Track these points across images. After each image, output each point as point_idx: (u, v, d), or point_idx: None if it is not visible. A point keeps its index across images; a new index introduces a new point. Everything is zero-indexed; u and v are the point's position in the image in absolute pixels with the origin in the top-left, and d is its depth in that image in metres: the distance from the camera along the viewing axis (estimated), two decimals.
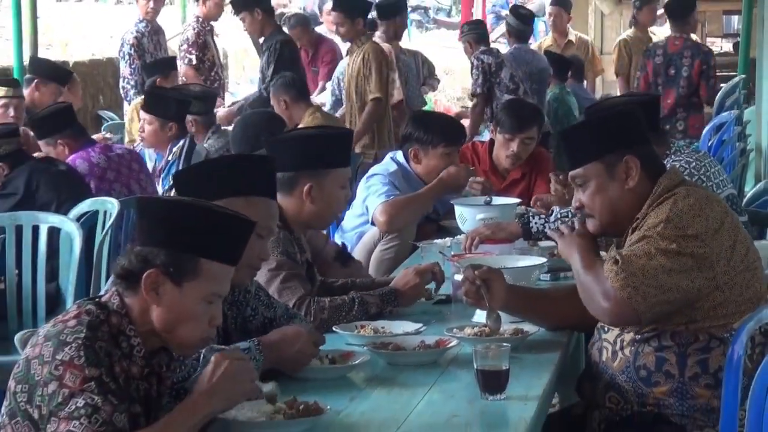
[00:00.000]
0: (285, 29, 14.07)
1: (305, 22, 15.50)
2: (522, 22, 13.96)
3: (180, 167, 9.06)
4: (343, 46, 13.82)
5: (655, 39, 15.71)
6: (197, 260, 3.79)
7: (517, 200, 7.59)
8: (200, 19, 14.50)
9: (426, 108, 14.39)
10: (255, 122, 8.75)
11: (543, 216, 6.55)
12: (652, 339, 4.74)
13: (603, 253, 4.89)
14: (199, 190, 4.34)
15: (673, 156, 6.65)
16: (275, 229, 4.91)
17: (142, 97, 11.35)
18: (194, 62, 14.12)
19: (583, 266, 4.80)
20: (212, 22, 14.52)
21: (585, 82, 16.46)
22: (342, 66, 12.60)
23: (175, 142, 9.34)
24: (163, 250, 3.78)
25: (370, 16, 12.81)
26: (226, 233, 3.90)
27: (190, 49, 14.25)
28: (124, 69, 14.18)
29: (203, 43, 14.28)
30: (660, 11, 17.15)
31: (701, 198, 4.76)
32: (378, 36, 12.71)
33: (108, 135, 12.00)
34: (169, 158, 9.26)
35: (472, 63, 13.22)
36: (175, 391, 4.03)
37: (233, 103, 13.50)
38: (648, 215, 4.74)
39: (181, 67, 14.07)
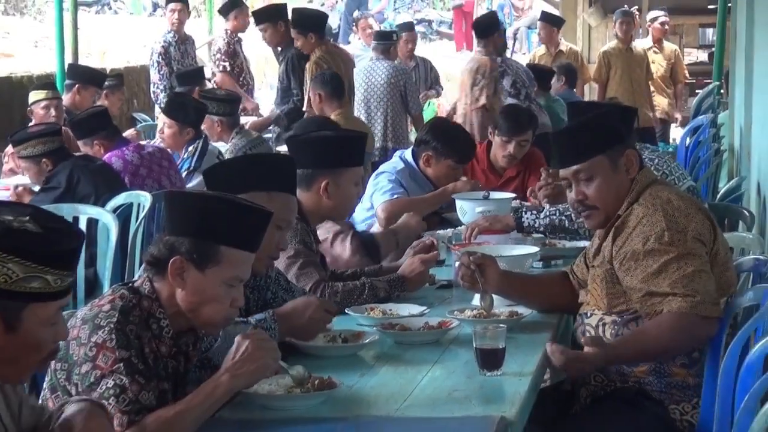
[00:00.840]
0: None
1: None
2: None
3: (192, 165, 9.21)
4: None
5: (636, 51, 15.72)
6: (219, 248, 3.82)
7: (513, 195, 7.61)
8: (229, 32, 14.55)
9: (430, 111, 14.40)
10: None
11: (535, 212, 6.54)
12: (631, 323, 4.75)
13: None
14: (226, 184, 4.36)
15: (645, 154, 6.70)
16: (294, 222, 4.91)
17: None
18: (228, 69, 14.17)
19: (638, 349, 4.71)
20: (239, 34, 14.52)
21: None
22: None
23: (191, 143, 9.35)
24: (188, 239, 3.81)
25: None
26: (246, 223, 3.92)
27: (223, 57, 14.32)
28: (154, 75, 14.26)
29: (233, 52, 14.34)
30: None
31: (678, 194, 4.85)
32: (477, 51, 12.77)
33: (139, 129, 12.01)
34: (184, 156, 9.26)
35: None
36: (198, 361, 4.05)
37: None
38: (630, 216, 4.74)
39: (216, 74, 14.24)
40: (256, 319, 4.45)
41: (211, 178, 4.69)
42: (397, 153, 7.98)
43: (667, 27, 16.49)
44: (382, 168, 7.75)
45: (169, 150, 9.25)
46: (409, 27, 15.96)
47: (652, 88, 15.37)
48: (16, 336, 3.05)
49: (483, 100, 11.98)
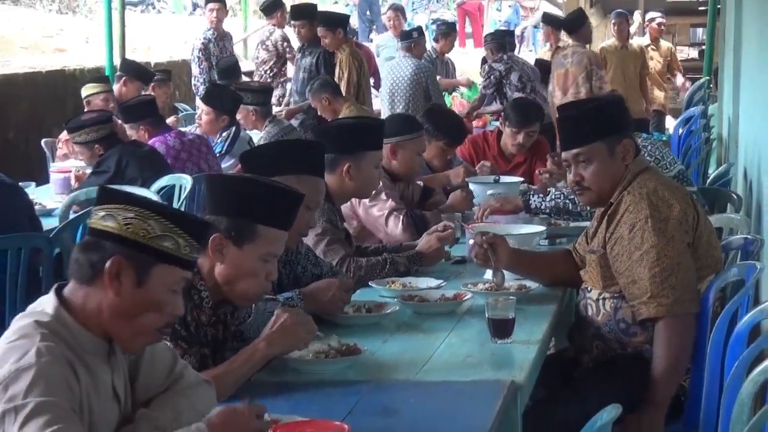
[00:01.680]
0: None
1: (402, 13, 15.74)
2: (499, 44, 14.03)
3: (224, 149, 9.26)
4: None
5: (631, 48, 15.72)
6: (255, 226, 3.82)
7: (521, 179, 7.63)
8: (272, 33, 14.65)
9: (446, 102, 14.44)
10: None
11: (541, 195, 6.55)
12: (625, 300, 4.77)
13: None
14: (261, 168, 4.36)
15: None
16: (321, 202, 4.92)
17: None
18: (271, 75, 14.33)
19: (668, 377, 4.66)
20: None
21: None
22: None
23: (225, 129, 9.39)
24: (226, 218, 3.82)
25: None
26: (280, 204, 3.93)
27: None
28: (195, 69, 14.29)
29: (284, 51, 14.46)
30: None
31: (666, 183, 4.84)
32: (574, 44, 12.82)
33: (180, 117, 12.04)
34: (218, 141, 9.30)
35: (485, 68, 13.22)
36: (233, 334, 4.06)
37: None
38: (621, 203, 4.75)
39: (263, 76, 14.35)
40: (284, 297, 4.48)
41: (248, 162, 4.70)
42: None
43: (663, 27, 16.45)
44: None
45: (206, 136, 9.28)
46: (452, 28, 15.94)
47: (649, 83, 15.34)
48: (142, 292, 3.05)
49: (606, 88, 12.13)
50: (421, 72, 12.95)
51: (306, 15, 12.82)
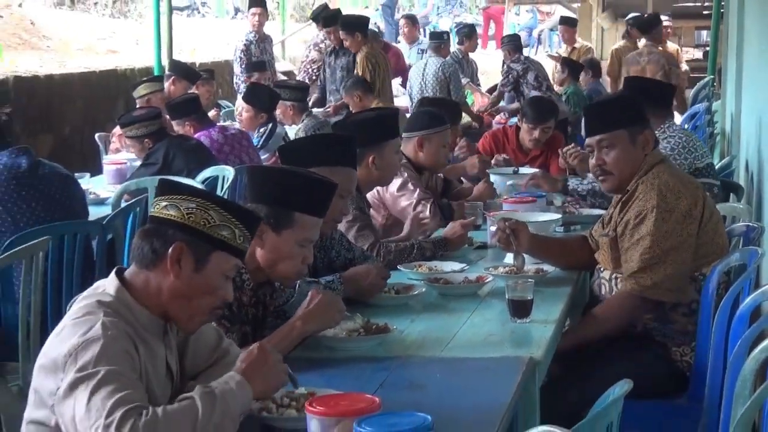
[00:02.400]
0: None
1: (377, 36, 15.63)
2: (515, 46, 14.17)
3: (260, 144, 9.29)
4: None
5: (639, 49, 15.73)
6: (292, 213, 3.83)
7: (538, 170, 7.62)
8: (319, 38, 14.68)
9: (469, 99, 14.47)
10: None
11: (579, 179, 6.71)
12: None
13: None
14: (297, 161, 4.36)
15: (667, 130, 6.65)
16: (354, 192, 4.92)
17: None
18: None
19: (590, 331, 4.85)
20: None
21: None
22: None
23: (263, 125, 9.42)
24: (266, 206, 3.82)
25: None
26: (315, 193, 3.95)
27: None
28: (237, 68, 14.30)
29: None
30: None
31: (678, 175, 4.85)
32: (648, 44, 13.50)
33: (222, 114, 12.05)
34: (255, 136, 9.33)
35: (503, 68, 13.26)
36: (276, 312, 4.06)
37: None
38: (636, 191, 4.76)
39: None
40: (326, 280, 4.48)
41: (285, 155, 4.70)
42: None
43: (669, 30, 16.39)
44: None
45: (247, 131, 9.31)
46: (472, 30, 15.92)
47: None
48: (199, 276, 3.11)
49: (684, 85, 12.28)
50: (445, 69, 13.12)
51: (337, 21, 13.10)
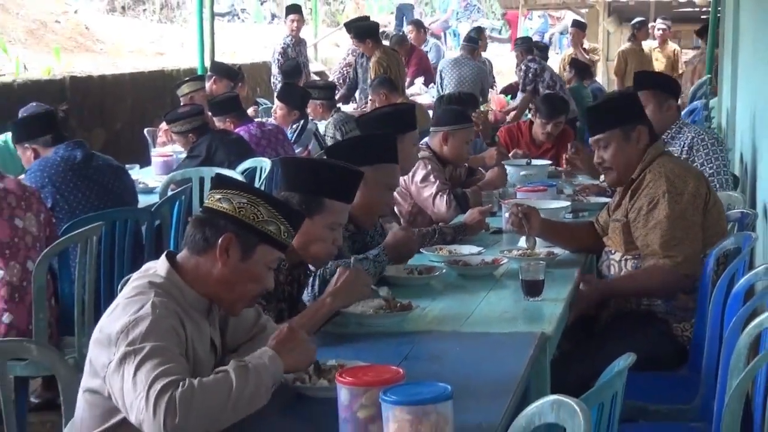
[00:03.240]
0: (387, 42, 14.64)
1: (403, 38, 15.72)
2: (541, 52, 14.36)
3: (293, 139, 9.31)
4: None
5: (645, 51, 15.65)
6: (322, 200, 3.85)
7: (549, 162, 7.66)
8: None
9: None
10: None
11: None
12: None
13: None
14: (346, 161, 4.28)
15: (685, 128, 6.50)
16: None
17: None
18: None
19: (628, 289, 4.86)
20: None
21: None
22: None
23: (296, 122, 9.45)
24: (298, 194, 3.84)
25: None
26: (342, 180, 3.95)
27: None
28: (274, 69, 14.34)
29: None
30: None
31: (681, 164, 4.90)
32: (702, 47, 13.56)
33: (260, 110, 12.06)
34: (289, 131, 9.35)
35: (521, 68, 13.27)
36: (322, 285, 4.09)
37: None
38: (644, 180, 4.76)
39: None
40: (373, 254, 4.48)
41: (333, 156, 4.66)
42: None
43: (668, 32, 16.33)
44: None
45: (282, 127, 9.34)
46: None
47: None
48: (245, 265, 3.13)
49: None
50: (480, 71, 13.46)
51: (369, 34, 13.06)
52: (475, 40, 13.93)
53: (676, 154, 5.81)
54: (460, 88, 12.79)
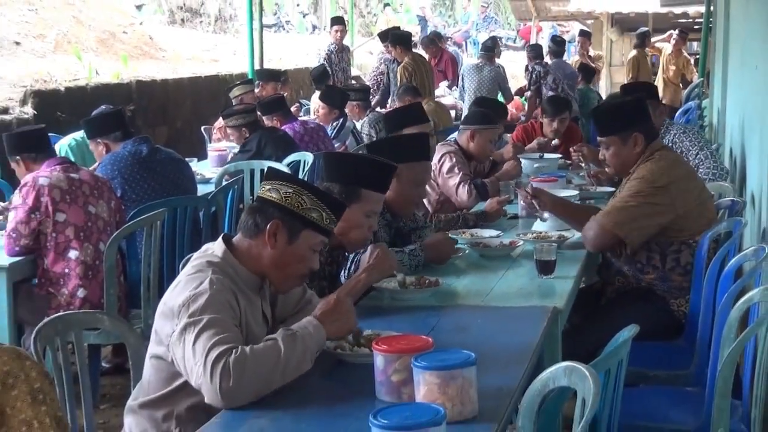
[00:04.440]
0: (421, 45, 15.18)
1: (433, 39, 15.78)
2: (558, 46, 14.32)
3: (332, 136, 9.29)
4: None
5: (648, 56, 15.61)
6: (360, 190, 3.83)
7: (559, 155, 7.68)
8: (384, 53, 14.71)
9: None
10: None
11: None
12: (644, 244, 4.71)
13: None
14: (385, 156, 4.24)
15: (671, 128, 6.64)
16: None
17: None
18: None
19: (570, 217, 5.00)
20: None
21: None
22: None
23: (335, 120, 9.46)
24: (338, 184, 3.82)
25: None
26: (378, 172, 3.94)
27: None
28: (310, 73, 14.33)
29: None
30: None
31: (669, 161, 4.77)
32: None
33: (303, 111, 12.07)
34: (330, 129, 9.36)
35: (527, 70, 13.34)
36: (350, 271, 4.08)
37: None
38: (637, 170, 4.75)
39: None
40: (410, 248, 4.43)
41: (373, 150, 4.65)
42: None
43: (681, 42, 16.14)
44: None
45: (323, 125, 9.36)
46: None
47: (663, 84, 15.23)
48: (291, 248, 3.14)
49: None
50: (498, 75, 13.49)
51: (398, 42, 13.13)
52: (492, 48, 13.94)
53: None
54: (480, 90, 12.85)
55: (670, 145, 6.34)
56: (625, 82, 12.41)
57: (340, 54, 14.35)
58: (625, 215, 4.62)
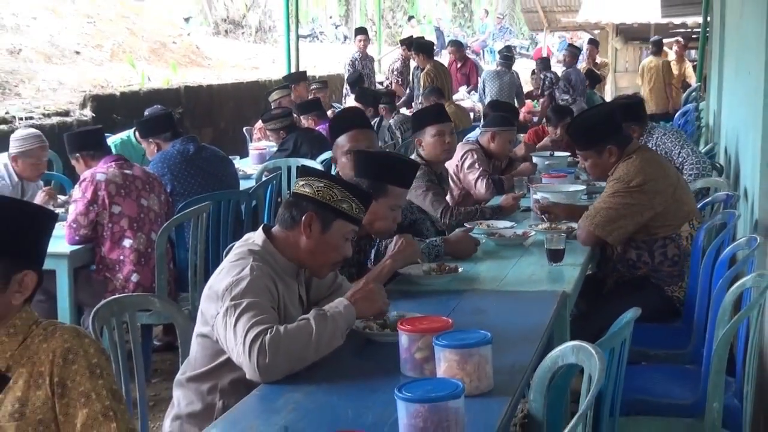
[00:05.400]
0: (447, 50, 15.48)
1: (460, 43, 15.94)
2: (572, 55, 14.39)
3: None
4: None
5: (661, 64, 15.44)
6: (386, 185, 3.82)
7: (568, 154, 7.64)
8: (403, 57, 14.75)
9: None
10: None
11: None
12: (632, 242, 4.73)
13: None
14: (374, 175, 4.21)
15: (653, 131, 6.65)
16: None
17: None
18: (400, 82, 14.39)
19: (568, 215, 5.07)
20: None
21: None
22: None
23: (371, 118, 9.49)
24: (367, 180, 3.80)
25: None
26: (402, 169, 3.93)
27: (398, 73, 14.59)
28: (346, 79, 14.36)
29: (403, 68, 14.61)
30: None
31: (644, 160, 4.72)
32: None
33: (335, 110, 12.12)
34: None
35: (539, 77, 13.36)
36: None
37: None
38: (615, 170, 4.74)
39: (393, 84, 14.43)
40: (429, 240, 4.39)
41: (360, 165, 4.60)
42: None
43: (682, 49, 15.96)
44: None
45: None
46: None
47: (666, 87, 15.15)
48: (325, 236, 3.14)
49: None
50: (515, 80, 13.60)
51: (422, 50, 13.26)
52: (511, 57, 14.01)
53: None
54: (501, 94, 12.92)
55: (654, 147, 6.37)
56: (634, 93, 12.43)
57: (364, 61, 14.38)
58: (604, 217, 4.60)
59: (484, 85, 13.55)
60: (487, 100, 12.97)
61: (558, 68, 15.80)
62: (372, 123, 9.35)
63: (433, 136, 5.50)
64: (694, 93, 13.98)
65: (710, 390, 3.10)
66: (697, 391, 3.56)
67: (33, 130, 6.15)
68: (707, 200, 5.60)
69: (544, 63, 14.23)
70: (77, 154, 5.47)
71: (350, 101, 10.55)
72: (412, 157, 5.59)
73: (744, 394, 3.31)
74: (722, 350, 3.08)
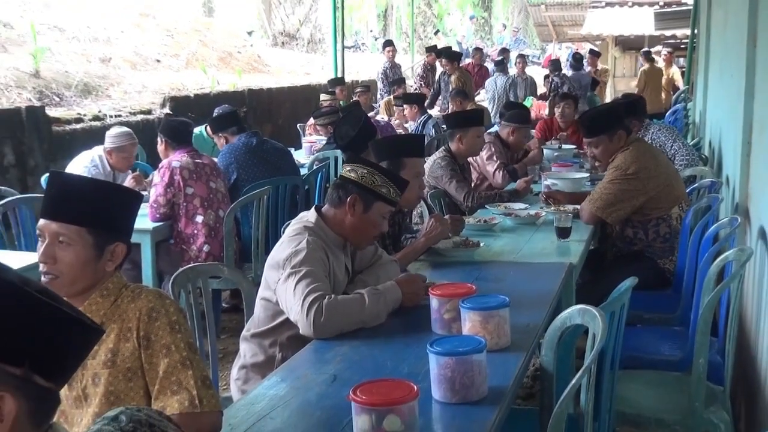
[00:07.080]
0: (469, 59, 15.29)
1: (481, 51, 16.04)
2: (577, 62, 14.13)
3: (418, 131, 9.25)
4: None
5: (656, 70, 15.22)
6: (402, 159, 3.81)
7: (574, 146, 7.59)
8: (426, 62, 14.60)
9: (527, 103, 14.34)
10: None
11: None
12: (629, 221, 4.69)
13: None
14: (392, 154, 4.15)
15: (650, 127, 6.59)
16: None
17: (388, 97, 12.10)
18: (423, 85, 14.25)
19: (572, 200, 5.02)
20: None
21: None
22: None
23: (420, 116, 9.44)
24: (385, 160, 3.79)
25: None
26: (410, 142, 3.94)
27: (420, 77, 14.48)
28: (379, 84, 14.36)
29: (430, 72, 14.45)
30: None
31: (639, 151, 4.68)
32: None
33: (373, 109, 12.08)
34: (415, 125, 9.36)
35: (549, 80, 13.25)
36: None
37: None
38: (614, 159, 4.72)
39: (422, 87, 14.26)
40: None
41: (377, 149, 4.55)
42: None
43: (669, 57, 15.72)
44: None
45: (403, 122, 9.37)
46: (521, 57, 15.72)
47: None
48: (366, 216, 3.13)
49: None
50: (506, 83, 13.40)
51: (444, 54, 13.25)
52: (501, 62, 14.14)
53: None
54: (495, 94, 12.90)
55: (650, 140, 6.33)
56: (628, 93, 12.27)
57: (393, 69, 14.36)
58: (605, 201, 4.57)
59: (488, 89, 13.59)
60: (493, 102, 13.05)
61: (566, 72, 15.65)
62: (419, 121, 9.37)
63: (477, 137, 5.54)
64: (682, 95, 13.80)
65: (697, 348, 3.06)
66: (685, 349, 3.53)
67: (126, 129, 6.18)
68: (694, 186, 5.54)
69: (554, 64, 14.05)
70: (164, 138, 5.46)
71: (383, 103, 10.52)
72: (442, 148, 5.58)
73: (725, 351, 3.27)
74: (707, 314, 3.04)
